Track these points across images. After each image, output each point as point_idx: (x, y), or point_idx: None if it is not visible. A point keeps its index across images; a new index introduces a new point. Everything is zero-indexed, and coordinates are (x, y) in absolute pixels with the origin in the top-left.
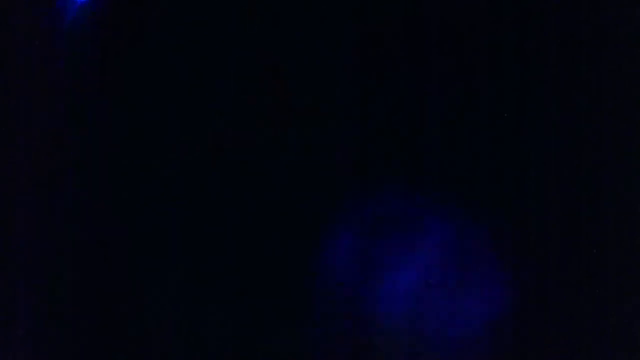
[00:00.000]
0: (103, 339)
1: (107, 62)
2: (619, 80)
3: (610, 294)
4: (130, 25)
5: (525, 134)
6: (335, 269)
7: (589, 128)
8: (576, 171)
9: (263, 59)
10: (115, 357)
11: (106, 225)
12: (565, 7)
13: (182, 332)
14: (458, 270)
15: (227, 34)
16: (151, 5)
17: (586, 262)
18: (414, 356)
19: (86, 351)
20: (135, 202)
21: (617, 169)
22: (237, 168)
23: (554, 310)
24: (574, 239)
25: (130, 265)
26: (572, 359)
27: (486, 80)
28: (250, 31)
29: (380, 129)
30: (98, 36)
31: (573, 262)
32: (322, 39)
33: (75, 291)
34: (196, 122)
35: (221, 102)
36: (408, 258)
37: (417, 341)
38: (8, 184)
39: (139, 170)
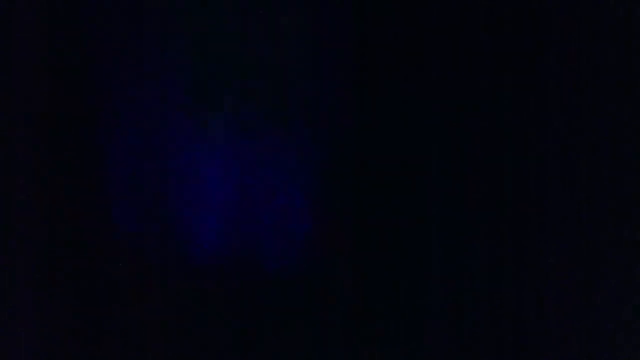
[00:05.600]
0: (102, 339)
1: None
2: (619, 80)
3: (610, 294)
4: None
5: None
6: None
7: (588, 128)
8: (576, 171)
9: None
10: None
11: (105, 224)
12: (565, 7)
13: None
14: None
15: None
16: None
17: (586, 263)
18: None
19: (86, 351)
20: (132, 200)
21: (617, 169)
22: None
23: (553, 310)
24: (573, 240)
25: (130, 264)
26: (572, 359)
27: (485, 81)
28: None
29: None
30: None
31: (572, 263)
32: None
33: (75, 291)
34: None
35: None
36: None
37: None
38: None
39: (136, 168)
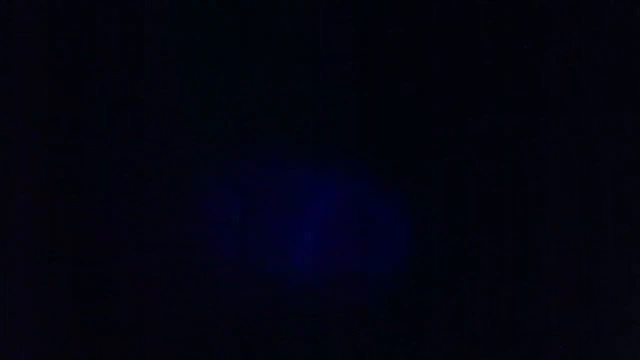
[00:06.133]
0: (102, 339)
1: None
2: (619, 80)
3: (610, 294)
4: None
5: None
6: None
7: (588, 129)
8: (576, 171)
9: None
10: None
11: (106, 225)
12: (565, 7)
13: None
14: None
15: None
16: None
17: (586, 262)
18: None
19: (86, 351)
20: (133, 200)
21: (617, 169)
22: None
23: (554, 310)
24: (573, 239)
25: (130, 265)
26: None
27: (486, 82)
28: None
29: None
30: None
31: (573, 262)
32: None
33: (75, 291)
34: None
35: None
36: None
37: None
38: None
39: (136, 169)
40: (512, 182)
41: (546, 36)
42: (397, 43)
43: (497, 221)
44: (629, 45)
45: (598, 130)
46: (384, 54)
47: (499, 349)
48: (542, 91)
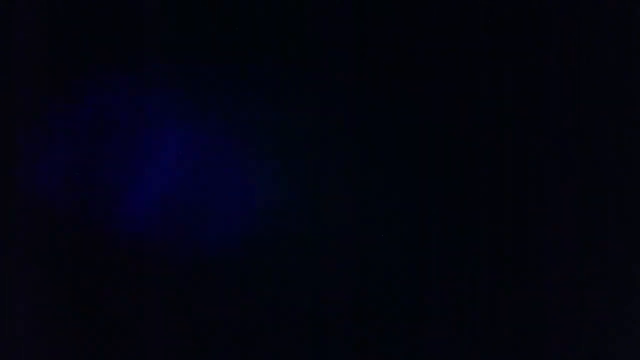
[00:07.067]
0: (101, 339)
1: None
2: (619, 80)
3: (610, 294)
4: None
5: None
6: None
7: (588, 129)
8: (576, 171)
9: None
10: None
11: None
12: (565, 7)
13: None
14: None
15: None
16: None
17: (586, 262)
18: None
19: (86, 351)
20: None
21: (617, 169)
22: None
23: (553, 310)
24: (574, 239)
25: (130, 265)
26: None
27: (485, 80)
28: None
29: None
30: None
31: (573, 262)
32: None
33: (75, 291)
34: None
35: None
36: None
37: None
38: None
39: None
40: (511, 181)
41: (546, 36)
42: (397, 43)
43: (497, 220)
44: (629, 45)
45: (598, 130)
46: (384, 54)
47: (497, 349)
48: (541, 91)
